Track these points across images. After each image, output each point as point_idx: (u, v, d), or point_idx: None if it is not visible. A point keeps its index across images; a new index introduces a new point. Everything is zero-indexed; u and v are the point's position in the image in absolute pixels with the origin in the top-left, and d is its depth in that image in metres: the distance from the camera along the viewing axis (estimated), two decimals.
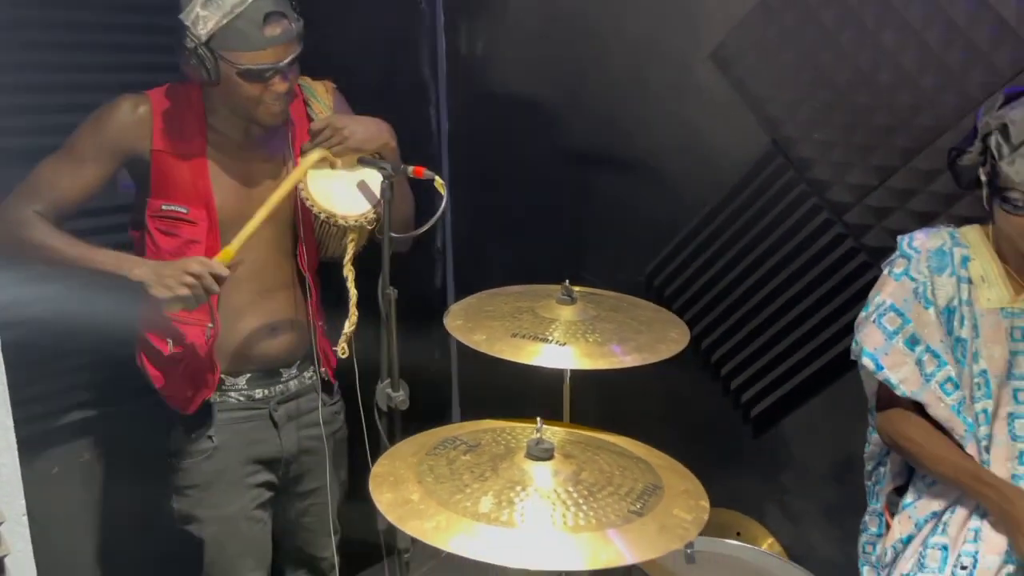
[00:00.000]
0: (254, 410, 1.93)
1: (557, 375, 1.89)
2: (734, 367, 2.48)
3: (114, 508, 2.27)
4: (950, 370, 1.69)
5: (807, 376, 2.35)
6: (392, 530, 1.77)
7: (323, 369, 2.02)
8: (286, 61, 1.73)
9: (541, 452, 1.43)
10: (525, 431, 1.55)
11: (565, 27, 2.61)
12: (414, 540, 1.71)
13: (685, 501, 1.40)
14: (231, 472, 1.91)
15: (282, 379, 1.97)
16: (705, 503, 1.41)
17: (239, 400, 1.91)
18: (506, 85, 2.81)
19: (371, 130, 1.90)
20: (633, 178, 2.57)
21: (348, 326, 1.87)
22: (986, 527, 1.67)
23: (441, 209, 1.75)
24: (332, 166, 1.85)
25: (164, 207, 1.81)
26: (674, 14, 2.38)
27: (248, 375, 1.91)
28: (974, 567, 1.65)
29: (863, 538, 1.98)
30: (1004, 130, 1.57)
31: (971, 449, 1.67)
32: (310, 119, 1.94)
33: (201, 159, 1.82)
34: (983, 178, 1.64)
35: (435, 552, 1.64)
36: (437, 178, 1.77)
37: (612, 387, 2.03)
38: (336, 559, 2.11)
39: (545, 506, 1.34)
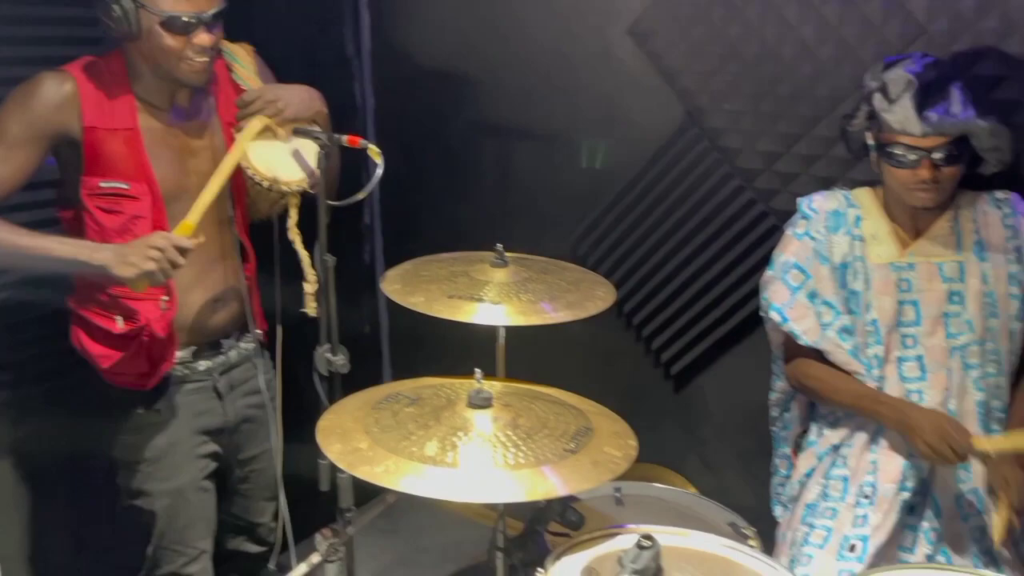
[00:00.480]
0: (199, 382, 1.95)
1: (486, 341, 1.97)
2: (655, 329, 2.61)
3: (48, 490, 2.26)
4: (845, 319, 1.86)
5: (722, 334, 2.50)
6: (334, 491, 1.84)
7: (259, 332, 2.05)
8: (210, 12, 1.74)
9: (481, 401, 1.52)
10: (463, 386, 1.63)
11: (487, 3, 2.68)
12: (356, 502, 1.80)
13: (615, 440, 1.51)
14: (181, 444, 1.92)
15: (223, 350, 1.99)
16: (633, 442, 1.53)
17: (184, 373, 1.92)
18: (430, 60, 2.86)
19: (303, 99, 1.94)
20: (556, 150, 2.66)
21: (309, 287, 1.91)
22: (882, 458, 1.85)
23: (378, 175, 1.80)
24: (275, 135, 1.88)
25: (103, 184, 1.78)
26: None
27: (193, 348, 1.93)
28: (874, 495, 1.83)
29: (775, 480, 2.15)
30: (884, 88, 1.75)
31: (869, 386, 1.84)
32: (235, 84, 1.96)
33: (134, 132, 1.80)
34: (870, 141, 1.81)
35: (382, 500, 1.72)
36: (372, 146, 1.81)
37: (542, 352, 2.13)
38: (276, 524, 2.15)
39: (486, 448, 1.43)
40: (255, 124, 1.83)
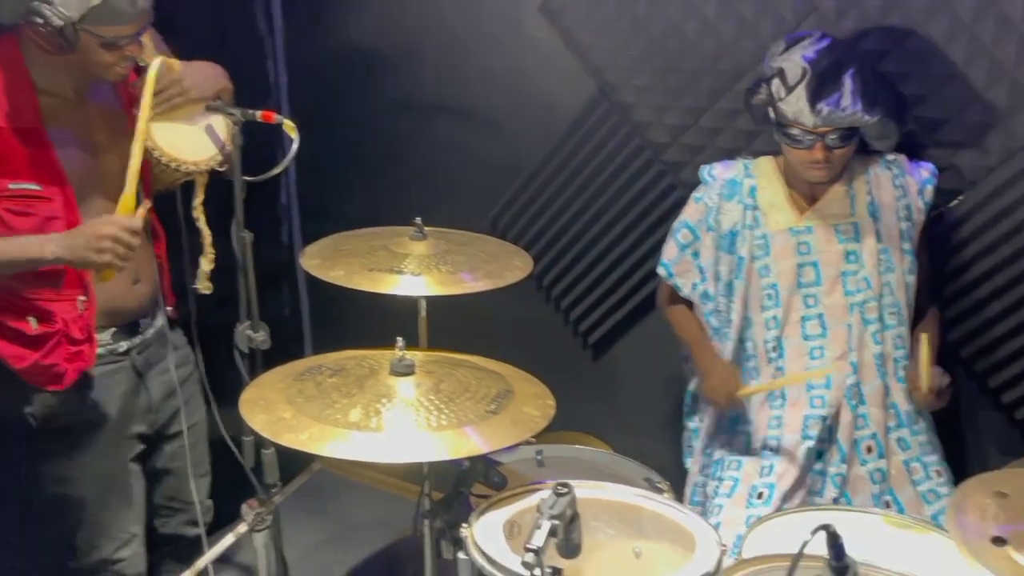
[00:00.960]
0: (119, 362, 1.92)
1: (407, 317, 2.00)
2: (573, 299, 2.68)
3: None
4: (708, 285, 2.05)
5: (637, 303, 2.59)
6: (260, 467, 1.85)
7: (169, 309, 2.03)
8: (146, 25, 1.73)
9: (404, 368, 1.56)
10: (385, 356, 1.67)
11: None
12: (282, 476, 1.81)
13: (534, 401, 1.58)
14: (106, 426, 1.89)
15: (140, 329, 1.97)
16: (551, 402, 1.59)
17: (103, 354, 1.88)
18: (344, 38, 2.85)
19: (208, 75, 1.91)
20: (473, 127, 2.70)
21: (206, 264, 1.90)
22: (785, 413, 1.97)
23: (294, 150, 1.80)
24: (183, 110, 1.86)
25: (12, 186, 1.71)
26: None
27: (113, 330, 1.90)
28: (779, 447, 1.96)
29: (685, 434, 2.25)
30: (782, 74, 1.85)
31: (716, 346, 2.06)
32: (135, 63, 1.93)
33: (39, 128, 1.74)
34: (772, 116, 1.91)
35: (308, 470, 1.75)
36: (286, 121, 1.81)
37: (464, 327, 2.16)
38: (211, 504, 2.13)
39: (409, 412, 1.47)
40: (152, 70, 1.77)
